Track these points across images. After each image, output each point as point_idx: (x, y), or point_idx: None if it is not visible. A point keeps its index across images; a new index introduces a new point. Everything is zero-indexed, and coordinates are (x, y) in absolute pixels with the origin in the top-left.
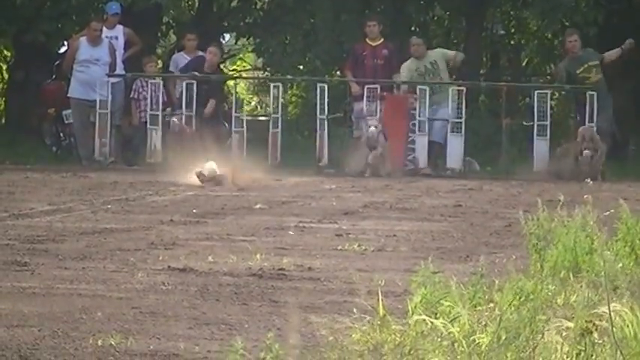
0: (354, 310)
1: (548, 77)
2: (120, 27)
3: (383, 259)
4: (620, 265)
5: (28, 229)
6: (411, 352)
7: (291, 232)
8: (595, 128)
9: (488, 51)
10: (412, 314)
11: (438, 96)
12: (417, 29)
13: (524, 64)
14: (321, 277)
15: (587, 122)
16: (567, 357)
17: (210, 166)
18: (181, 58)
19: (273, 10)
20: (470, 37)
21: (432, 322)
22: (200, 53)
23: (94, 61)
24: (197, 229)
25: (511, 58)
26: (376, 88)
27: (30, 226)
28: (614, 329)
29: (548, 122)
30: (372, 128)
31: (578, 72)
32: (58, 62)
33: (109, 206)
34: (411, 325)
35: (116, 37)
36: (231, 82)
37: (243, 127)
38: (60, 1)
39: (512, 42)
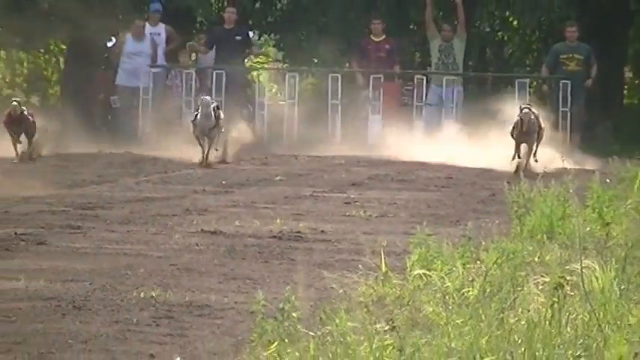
0: (361, 267)
1: (528, 68)
2: (162, 25)
3: (385, 224)
4: (589, 229)
5: (81, 197)
6: (410, 302)
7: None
8: (569, 114)
9: (476, 46)
10: (410, 270)
11: (449, 80)
12: (415, 27)
13: (507, 56)
14: (332, 239)
15: (560, 109)
16: (543, 307)
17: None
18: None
19: (291, 10)
20: None
21: (427, 277)
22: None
23: (138, 53)
24: (225, 198)
25: (496, 51)
26: (380, 78)
27: (82, 194)
28: (583, 283)
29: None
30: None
31: (562, 56)
32: (106, 55)
33: (150, 178)
34: (410, 279)
35: (158, 34)
36: (255, 72)
37: (264, 110)
38: (108, 1)
39: (496, 38)
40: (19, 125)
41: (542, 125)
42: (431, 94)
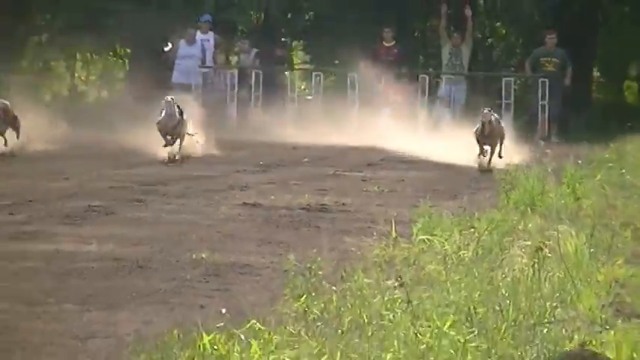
0: (374, 233)
1: (512, 69)
2: (211, 33)
3: (394, 198)
4: (563, 202)
5: (143, 175)
6: (415, 263)
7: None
8: (547, 109)
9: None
10: (415, 236)
11: (456, 78)
12: (419, 34)
13: (495, 59)
14: (351, 210)
15: (539, 103)
16: (525, 267)
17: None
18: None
19: (316, 20)
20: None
21: (430, 242)
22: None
23: (190, 56)
24: (262, 176)
25: (486, 55)
26: (389, 76)
27: (144, 173)
28: (559, 247)
29: (512, 100)
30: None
31: (542, 59)
32: (164, 57)
33: (201, 159)
34: (415, 244)
35: (208, 40)
36: (287, 72)
37: (295, 103)
38: (165, 13)
39: (486, 44)
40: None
41: (503, 126)
42: (442, 89)
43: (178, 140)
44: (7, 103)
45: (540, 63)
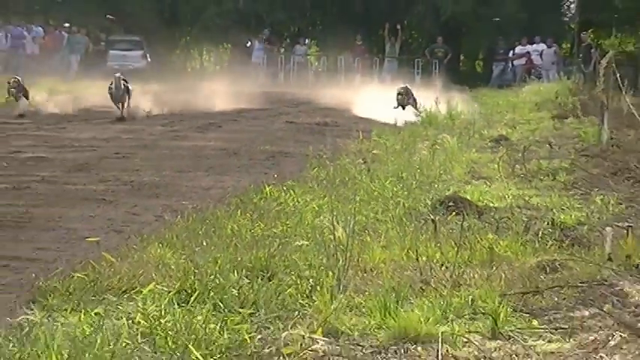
0: (352, 136)
1: (421, 54)
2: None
3: (363, 122)
4: (446, 122)
5: (233, 108)
6: (371, 151)
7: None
8: (437, 74)
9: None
10: (373, 138)
11: (391, 60)
12: (374, 38)
13: (412, 50)
14: (340, 126)
15: (434, 71)
16: (426, 153)
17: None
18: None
19: (324, 28)
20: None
21: (379, 140)
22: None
23: (259, 49)
24: (295, 109)
25: (407, 47)
26: (359, 59)
27: (233, 108)
28: (443, 144)
29: (420, 71)
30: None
31: (435, 49)
32: (248, 47)
33: (264, 100)
34: (372, 141)
35: (268, 40)
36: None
37: (310, 73)
38: (240, 27)
39: (408, 41)
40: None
41: (415, 96)
42: (385, 66)
43: (125, 104)
44: (19, 78)
45: (435, 51)
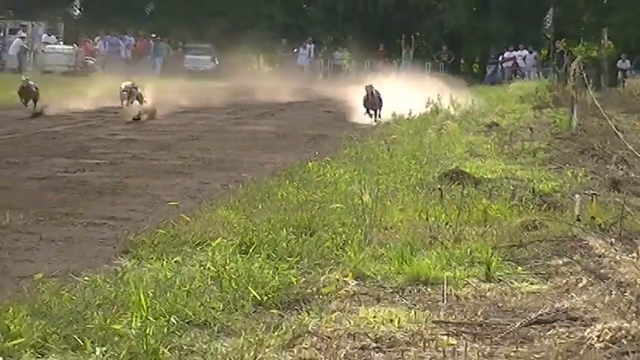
0: (374, 123)
1: (431, 59)
2: (312, 43)
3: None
4: (450, 111)
5: (284, 100)
6: (390, 134)
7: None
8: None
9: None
10: (391, 124)
11: (407, 62)
12: (393, 45)
13: (423, 55)
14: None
15: (440, 72)
16: (434, 136)
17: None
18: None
19: (354, 39)
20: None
21: (397, 126)
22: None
23: (302, 54)
24: (330, 101)
25: (419, 53)
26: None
27: (284, 100)
28: (446, 129)
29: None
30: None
31: (440, 55)
32: (295, 52)
33: (304, 95)
34: (391, 127)
35: (311, 44)
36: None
37: (343, 72)
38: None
39: (420, 48)
40: (28, 93)
41: (381, 98)
42: (402, 65)
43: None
44: (33, 82)
45: (440, 56)
